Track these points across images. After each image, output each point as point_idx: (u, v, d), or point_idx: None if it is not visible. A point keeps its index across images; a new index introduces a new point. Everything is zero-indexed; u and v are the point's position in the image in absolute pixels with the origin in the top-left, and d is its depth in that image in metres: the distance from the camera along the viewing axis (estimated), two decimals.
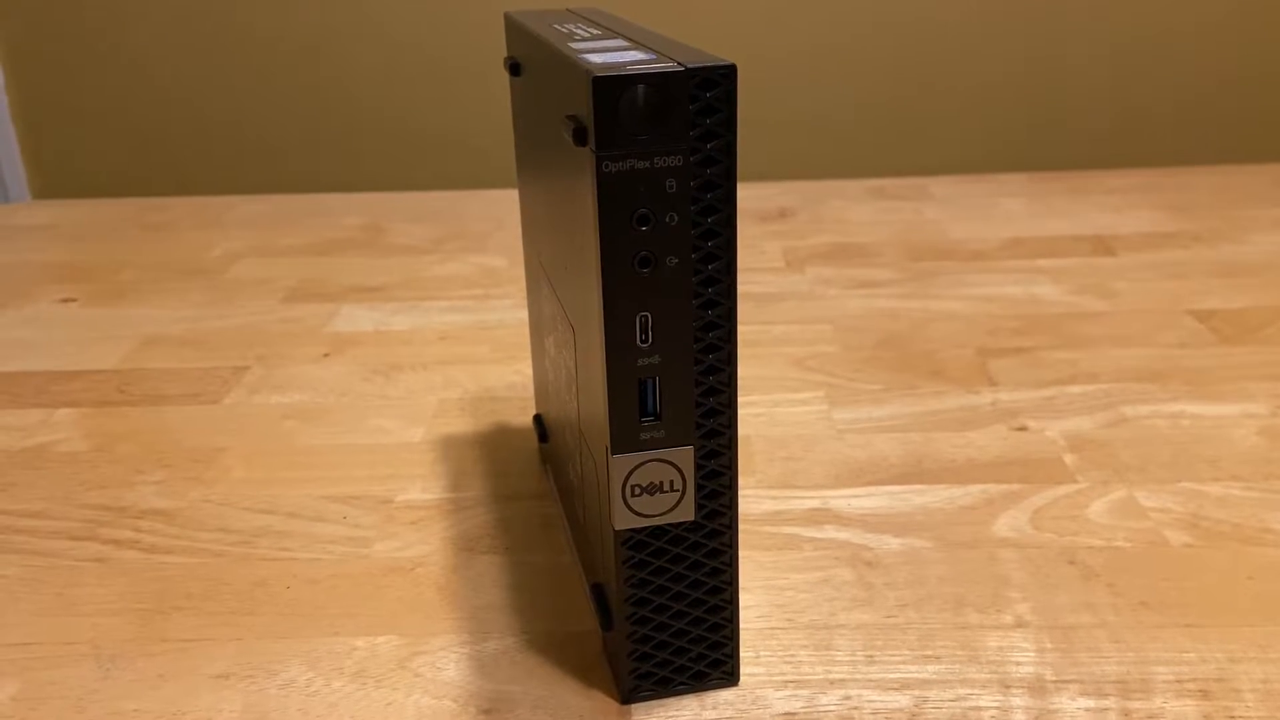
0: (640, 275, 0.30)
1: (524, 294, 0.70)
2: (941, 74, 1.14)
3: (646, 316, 0.31)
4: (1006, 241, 0.78)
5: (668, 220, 0.30)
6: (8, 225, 0.89)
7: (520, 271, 0.75)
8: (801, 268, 0.74)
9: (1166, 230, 0.79)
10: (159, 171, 1.36)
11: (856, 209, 0.86)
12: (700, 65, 0.29)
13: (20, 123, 1.41)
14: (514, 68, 0.43)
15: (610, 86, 0.28)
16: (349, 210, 0.90)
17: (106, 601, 0.41)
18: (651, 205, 0.30)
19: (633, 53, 0.31)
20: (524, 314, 0.67)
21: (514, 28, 0.42)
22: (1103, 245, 0.76)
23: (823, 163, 1.19)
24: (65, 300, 0.72)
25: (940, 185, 0.92)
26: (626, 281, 0.30)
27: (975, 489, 0.47)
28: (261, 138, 1.30)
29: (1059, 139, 1.15)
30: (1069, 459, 0.49)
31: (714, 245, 0.31)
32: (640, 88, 0.28)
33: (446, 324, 0.66)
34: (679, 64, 0.29)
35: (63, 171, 1.42)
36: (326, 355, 0.62)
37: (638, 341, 0.31)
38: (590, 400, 0.34)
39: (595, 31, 0.36)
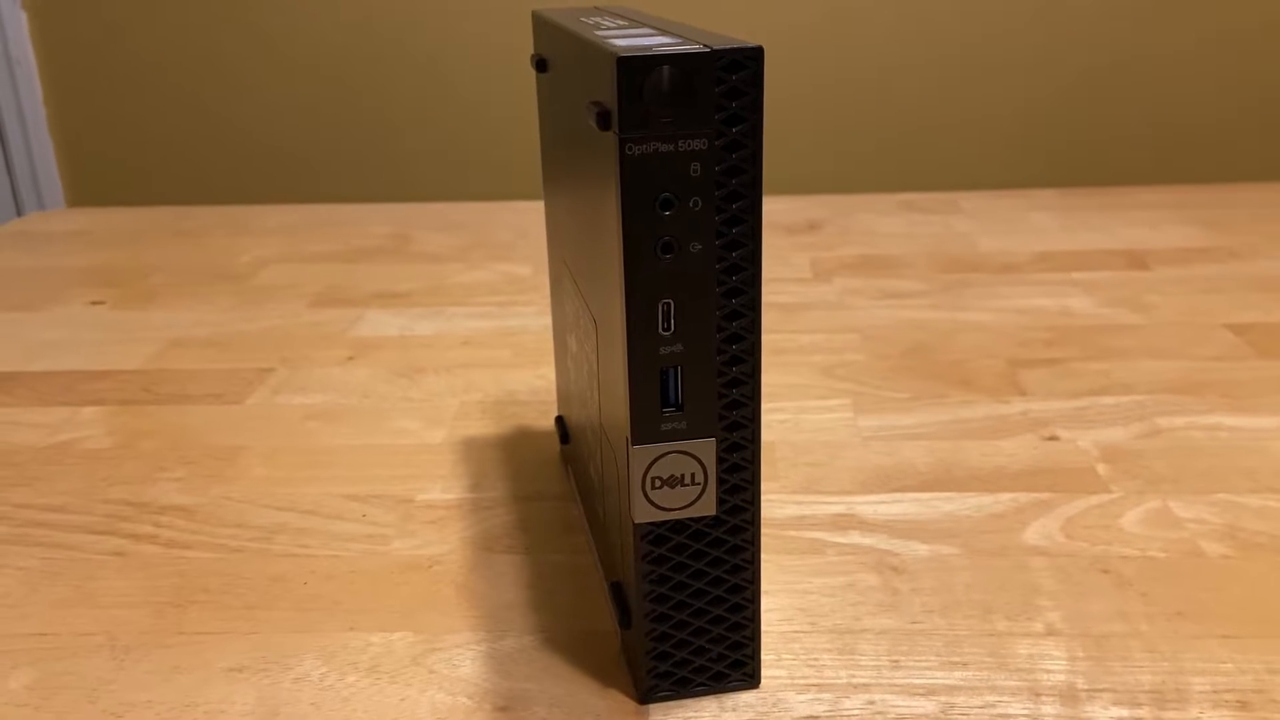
0: (663, 261, 0.30)
1: (548, 301, 0.70)
2: (970, 91, 1.13)
3: (669, 304, 0.30)
4: (1037, 255, 0.77)
5: (691, 205, 0.29)
6: (42, 231, 0.90)
7: (544, 279, 0.74)
8: (829, 278, 0.73)
9: (1201, 245, 0.77)
10: (192, 184, 1.37)
11: (885, 222, 0.85)
12: (727, 47, 0.28)
13: (57, 135, 1.44)
14: (540, 64, 0.42)
15: (634, 67, 0.28)
16: (377, 220, 0.90)
17: (124, 594, 0.41)
18: (675, 189, 0.29)
19: (659, 38, 0.31)
20: (547, 320, 0.67)
21: (541, 24, 0.42)
22: (1136, 259, 0.75)
23: (851, 178, 1.18)
24: (95, 303, 0.73)
25: (970, 200, 0.91)
26: (648, 267, 0.30)
27: (1005, 497, 0.46)
28: (293, 151, 1.31)
29: (1090, 157, 1.13)
30: (1102, 469, 0.48)
31: (738, 232, 0.30)
32: (665, 69, 0.28)
33: (470, 329, 0.66)
34: (705, 46, 0.29)
35: (98, 183, 1.44)
36: (350, 359, 0.62)
37: (660, 329, 0.30)
38: (611, 393, 0.34)
39: (622, 23, 0.36)
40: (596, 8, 0.43)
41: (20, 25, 1.39)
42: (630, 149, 0.29)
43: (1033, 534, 0.43)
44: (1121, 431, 0.51)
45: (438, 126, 1.26)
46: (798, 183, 1.18)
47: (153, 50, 1.35)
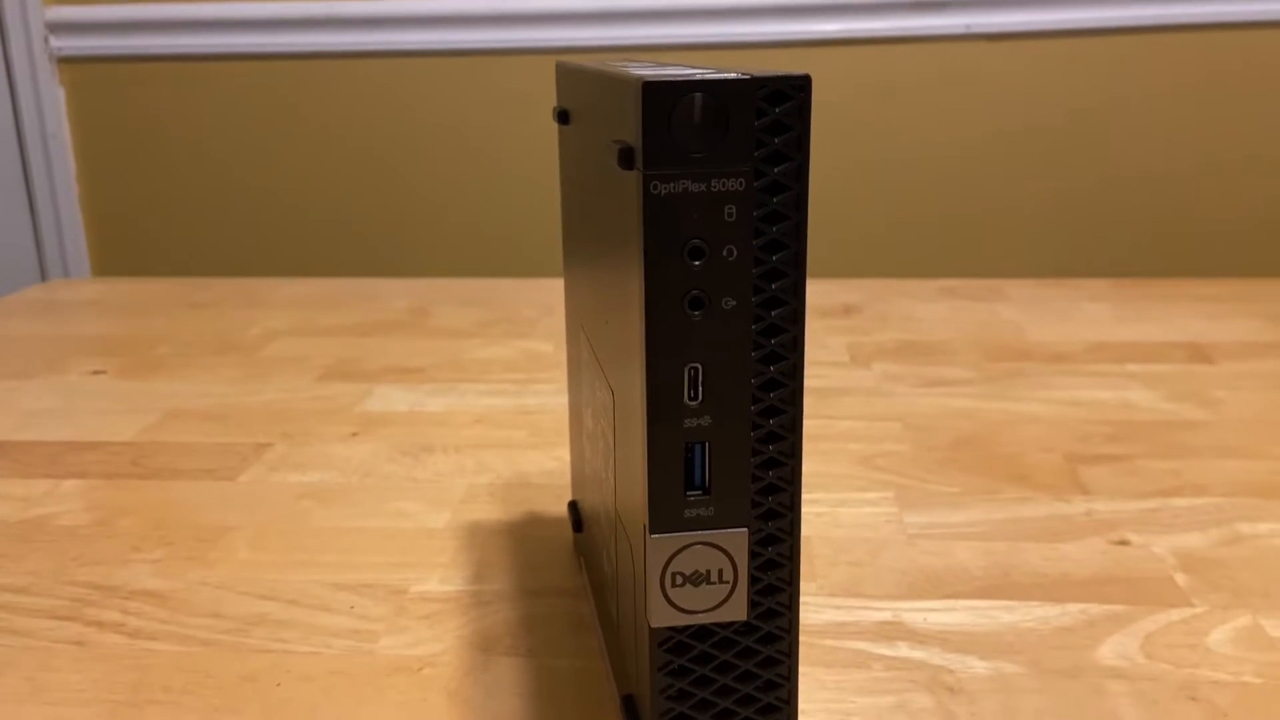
0: (690, 319, 0.26)
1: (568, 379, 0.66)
2: (1012, 180, 1.10)
3: (696, 369, 0.26)
4: (1092, 345, 0.72)
5: (725, 254, 0.25)
6: (53, 300, 0.88)
7: (565, 357, 0.70)
8: (868, 363, 0.69)
9: (1269, 340, 0.72)
10: (218, 257, 1.36)
11: (926, 308, 0.81)
12: (769, 75, 0.25)
13: (87, 208, 1.44)
14: (562, 116, 0.39)
15: (662, 94, 0.24)
16: (395, 294, 0.87)
17: (77, 689, 0.37)
18: (706, 235, 0.25)
19: (692, 69, 0.27)
20: (567, 399, 0.63)
21: (564, 74, 0.39)
22: (1198, 352, 0.70)
23: (886, 263, 1.15)
24: (95, 372, 0.69)
25: (1016, 287, 0.87)
26: (674, 326, 0.26)
27: (1073, 608, 0.41)
28: (318, 228, 1.30)
29: (1140, 248, 1.09)
30: (1180, 579, 0.43)
31: (779, 287, 0.26)
32: (698, 97, 0.24)
33: (484, 407, 0.62)
34: (743, 74, 0.25)
35: (125, 256, 1.43)
36: (354, 435, 0.58)
37: (685, 398, 0.26)
38: (628, 474, 0.29)
39: (652, 64, 0.33)
40: (626, 57, 0.40)
41: (57, 102, 1.41)
42: (655, 188, 0.25)
43: (1108, 652, 0.38)
44: (1199, 537, 0.46)
45: (463, 205, 1.24)
46: (830, 266, 1.15)
47: (181, 129, 1.35)
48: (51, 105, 1.40)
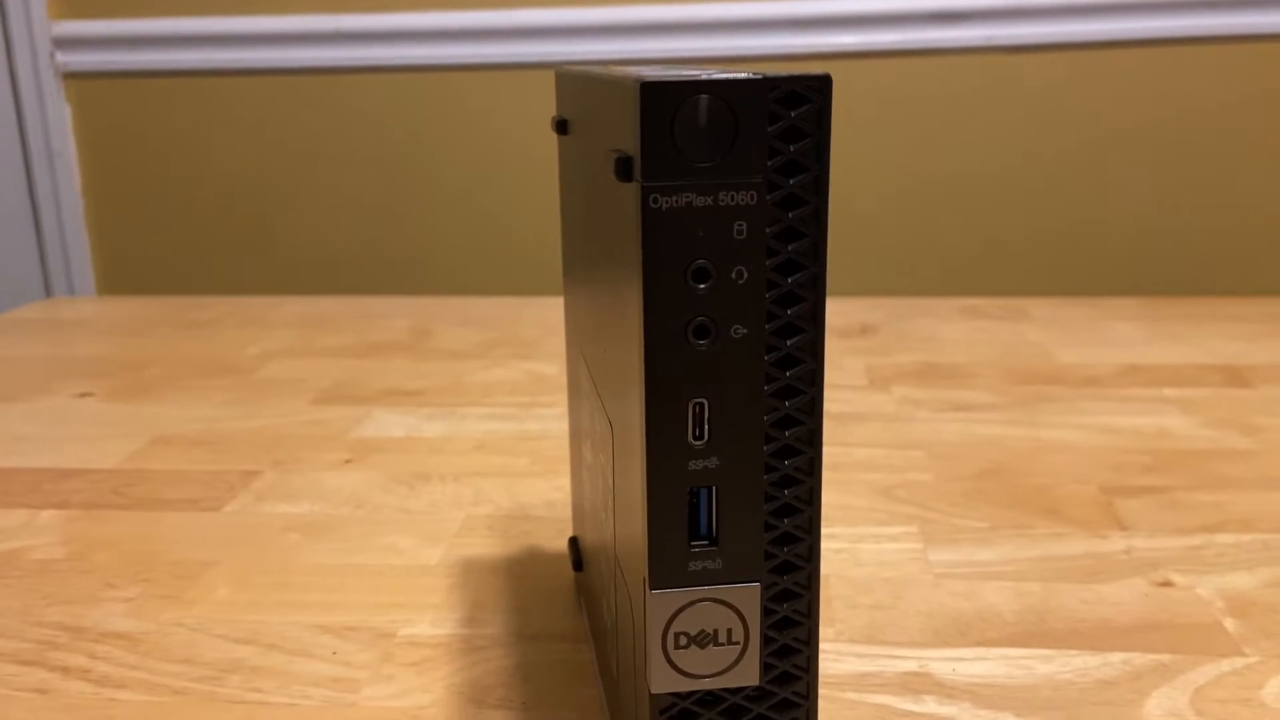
0: (696, 348, 0.23)
1: None
2: (1035, 195, 1.07)
3: (702, 404, 0.23)
4: (1123, 368, 0.69)
5: (734, 276, 0.22)
6: (47, 319, 0.86)
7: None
8: (887, 387, 0.66)
9: None
10: (222, 275, 1.34)
11: (947, 328, 0.78)
12: (783, 75, 0.22)
13: (92, 226, 1.42)
14: (560, 125, 0.36)
15: (663, 96, 0.21)
16: (397, 313, 0.85)
17: None
18: (713, 255, 0.22)
19: (698, 71, 0.25)
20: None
21: (564, 80, 0.37)
22: (1236, 376, 0.67)
23: (903, 281, 1.12)
24: (82, 395, 0.67)
25: (1040, 306, 0.83)
26: (677, 356, 0.23)
27: (1115, 658, 0.37)
28: (323, 246, 1.28)
29: (1169, 266, 1.06)
30: (1230, 624, 0.39)
31: (795, 313, 0.23)
32: (703, 99, 0.22)
33: (485, 432, 0.59)
34: (755, 73, 0.22)
35: (130, 274, 1.41)
36: (348, 462, 0.56)
37: (690, 437, 0.23)
38: (628, 517, 0.26)
39: (657, 65, 0.30)
40: (631, 62, 0.37)
41: (64, 119, 1.39)
42: (655, 201, 0.22)
43: (1155, 708, 0.35)
44: (1247, 578, 0.43)
45: (468, 221, 1.22)
46: (846, 283, 1.12)
47: (188, 145, 1.34)
48: (57, 123, 1.39)
